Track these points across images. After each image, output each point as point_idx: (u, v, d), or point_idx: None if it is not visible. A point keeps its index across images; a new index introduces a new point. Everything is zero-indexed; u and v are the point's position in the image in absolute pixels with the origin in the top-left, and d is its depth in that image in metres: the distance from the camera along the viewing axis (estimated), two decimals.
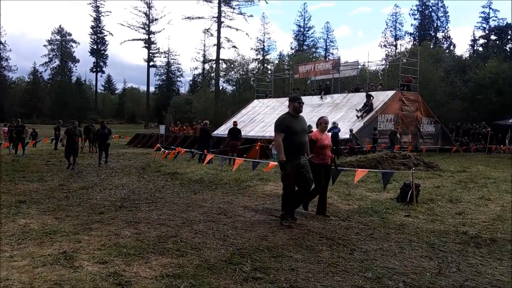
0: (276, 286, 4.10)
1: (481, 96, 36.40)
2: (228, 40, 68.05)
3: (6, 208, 7.51)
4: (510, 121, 27.59)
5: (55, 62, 79.61)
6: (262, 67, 67.80)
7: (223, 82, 65.27)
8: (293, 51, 72.40)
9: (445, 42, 64.54)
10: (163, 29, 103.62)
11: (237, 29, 68.12)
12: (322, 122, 7.65)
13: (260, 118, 31.98)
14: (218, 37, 66.58)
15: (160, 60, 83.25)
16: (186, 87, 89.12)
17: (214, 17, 66.55)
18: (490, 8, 61.36)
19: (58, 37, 79.94)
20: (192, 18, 68.32)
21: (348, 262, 4.91)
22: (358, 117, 24.86)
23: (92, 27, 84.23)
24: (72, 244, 5.33)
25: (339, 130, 20.66)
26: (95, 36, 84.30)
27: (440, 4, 65.72)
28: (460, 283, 4.32)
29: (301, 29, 78.44)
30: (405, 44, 67.22)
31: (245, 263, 4.74)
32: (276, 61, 66.98)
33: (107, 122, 17.08)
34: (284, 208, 6.60)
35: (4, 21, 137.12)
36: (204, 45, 76.26)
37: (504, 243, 5.82)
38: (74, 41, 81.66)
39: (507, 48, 53.74)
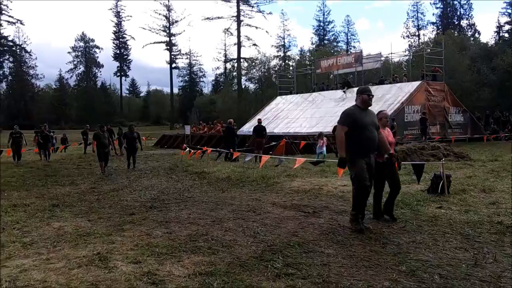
0: (309, 282, 4.09)
1: (509, 83, 35.42)
2: (248, 39, 68.19)
3: (40, 212, 7.70)
4: None
5: (80, 68, 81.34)
6: (283, 63, 67.61)
7: (245, 80, 65.45)
8: (314, 46, 71.97)
9: (469, 30, 63.02)
10: (184, 30, 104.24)
11: (256, 27, 68.24)
12: (382, 117, 6.71)
13: (284, 114, 31.89)
14: (238, 36, 66.74)
15: (182, 62, 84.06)
16: (209, 87, 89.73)
17: (233, 16, 66.77)
18: None
19: (81, 44, 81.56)
20: (212, 19, 68.77)
21: (381, 256, 4.85)
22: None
23: (114, 32, 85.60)
24: (105, 245, 5.42)
25: None
26: (118, 41, 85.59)
27: None
28: (497, 274, 4.21)
29: (321, 23, 77.95)
30: (428, 33, 65.95)
31: (276, 259, 4.73)
32: (298, 57, 66.71)
33: (134, 125, 17.23)
34: (355, 208, 6.00)
35: (29, 30, 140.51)
36: (225, 45, 76.55)
37: None
38: (98, 47, 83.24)
39: None
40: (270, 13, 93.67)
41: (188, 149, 17.82)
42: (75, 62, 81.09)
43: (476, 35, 61.11)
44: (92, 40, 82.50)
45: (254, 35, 79.39)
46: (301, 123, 28.85)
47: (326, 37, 76.97)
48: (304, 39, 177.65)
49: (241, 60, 66.64)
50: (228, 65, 76.07)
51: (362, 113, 5.96)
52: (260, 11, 67.33)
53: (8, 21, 72.78)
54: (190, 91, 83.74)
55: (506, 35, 57.58)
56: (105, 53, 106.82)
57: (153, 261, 4.77)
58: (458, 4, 64.73)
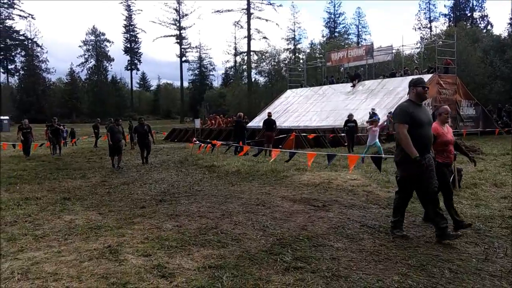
0: (318, 276, 4.09)
1: None
2: (258, 31, 67.85)
3: (52, 205, 7.79)
4: None
5: (91, 62, 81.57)
6: (293, 56, 67.34)
7: (255, 73, 65.26)
8: (324, 39, 71.54)
9: (482, 22, 62.14)
10: (194, 24, 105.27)
11: (266, 20, 67.84)
12: (443, 112, 6.04)
13: (294, 108, 31.84)
14: (248, 29, 66.48)
15: (192, 55, 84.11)
16: (219, 80, 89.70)
17: (243, 9, 66.44)
18: None
19: (92, 38, 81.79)
20: (222, 11, 68.53)
21: (391, 250, 4.83)
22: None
23: (125, 26, 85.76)
24: (116, 238, 5.47)
25: (379, 117, 20.30)
26: (128, 35, 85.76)
27: None
28: (508, 269, 4.18)
29: (332, 15, 77.33)
30: (440, 25, 65.16)
31: (285, 253, 4.74)
32: (308, 50, 66.35)
33: (144, 119, 16.30)
34: (395, 213, 5.53)
35: (40, 24, 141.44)
36: (235, 38, 76.22)
37: None
38: (108, 41, 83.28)
39: None
40: (281, 5, 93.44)
41: (198, 142, 17.87)
42: (86, 56, 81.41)
43: (489, 27, 60.30)
44: (103, 34, 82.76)
45: (264, 28, 79.60)
46: (311, 116, 28.79)
47: (337, 30, 76.40)
48: (314, 32, 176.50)
49: (251, 53, 66.42)
50: (238, 58, 75.88)
51: (418, 108, 5.31)
52: (270, 4, 66.91)
53: (20, 15, 73.32)
54: (200, 84, 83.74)
55: None
56: (116, 47, 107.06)
57: (163, 254, 4.80)
58: None
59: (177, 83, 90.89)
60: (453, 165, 8.23)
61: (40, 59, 76.80)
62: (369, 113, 21.64)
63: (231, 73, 79.24)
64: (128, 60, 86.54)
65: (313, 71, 44.47)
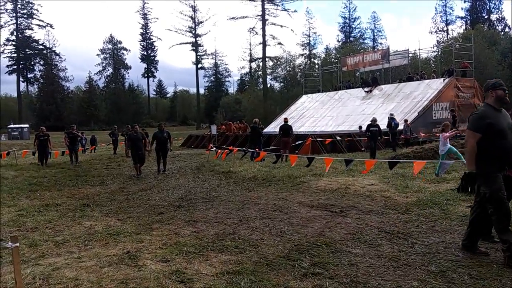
0: (336, 282, 4.07)
1: None
2: (273, 38, 68.17)
3: (71, 211, 7.90)
4: None
5: (108, 70, 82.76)
6: (309, 62, 67.35)
7: (271, 79, 65.53)
8: (339, 44, 71.37)
9: (499, 24, 61.35)
10: (209, 31, 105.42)
11: (281, 26, 68.10)
12: None
13: (310, 113, 31.80)
14: (263, 35, 66.80)
15: (208, 62, 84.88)
16: (235, 86, 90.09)
17: (258, 15, 66.87)
18: None
19: (109, 46, 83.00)
20: (237, 18, 69.32)
21: (410, 255, 4.79)
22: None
23: (141, 34, 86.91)
24: (135, 244, 5.52)
25: (398, 122, 20.15)
26: (145, 43, 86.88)
27: None
28: None
29: (347, 20, 77.19)
30: (457, 29, 64.54)
31: (303, 259, 4.73)
32: (323, 55, 66.27)
33: (164, 124, 15.68)
34: (503, 233, 4.57)
35: (58, 33, 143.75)
36: (250, 44, 76.76)
37: None
38: (125, 49, 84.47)
39: None
40: (295, 11, 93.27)
41: (214, 148, 17.94)
42: (103, 64, 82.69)
43: (507, 29, 59.52)
44: (120, 42, 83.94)
45: (279, 34, 79.59)
46: (327, 121, 28.71)
47: (352, 34, 76.23)
48: (328, 37, 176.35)
49: (266, 59, 66.71)
50: (253, 65, 76.37)
51: (498, 114, 4.69)
52: (285, 9, 67.22)
53: (39, 25, 74.86)
54: (216, 91, 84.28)
55: None
56: (133, 55, 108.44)
57: (181, 259, 4.83)
58: None
59: (193, 90, 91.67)
60: None
61: (59, 67, 78.31)
62: (388, 118, 21.50)
63: (246, 79, 79.56)
64: (145, 68, 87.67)
65: (329, 76, 44.39)
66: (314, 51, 73.80)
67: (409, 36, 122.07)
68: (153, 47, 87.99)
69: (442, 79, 25.24)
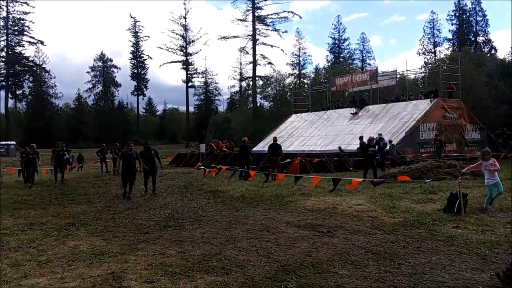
0: None
1: None
2: (264, 57, 68.61)
3: (56, 231, 7.79)
4: None
5: (98, 87, 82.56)
6: (298, 81, 67.87)
7: (260, 98, 65.75)
8: (329, 64, 72.16)
9: (485, 47, 62.59)
10: (200, 50, 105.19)
11: (272, 46, 68.55)
12: None
13: (299, 132, 31.90)
14: (254, 55, 67.26)
15: (198, 80, 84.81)
16: (224, 105, 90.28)
17: (249, 35, 67.38)
18: None
19: (100, 63, 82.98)
20: (228, 38, 69.53)
21: (396, 276, 4.79)
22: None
23: (132, 52, 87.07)
24: (119, 264, 5.45)
25: (387, 142, 20.22)
26: (135, 61, 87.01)
27: (478, 8, 64.02)
28: None
29: (336, 41, 78.16)
30: (444, 50, 65.69)
31: (290, 280, 4.70)
32: (313, 75, 66.87)
33: (150, 142, 15.20)
34: None
35: (47, 50, 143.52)
36: (240, 63, 77.17)
37: None
38: (116, 67, 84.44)
39: None
40: (286, 31, 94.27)
41: (202, 167, 17.88)
42: (93, 82, 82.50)
43: (493, 51, 60.72)
44: (111, 60, 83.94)
45: (270, 53, 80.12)
46: (316, 141, 28.82)
47: (342, 55, 77.15)
48: (319, 57, 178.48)
49: (256, 78, 67.09)
50: (244, 84, 76.62)
51: None
52: (275, 30, 67.81)
53: (30, 42, 74.66)
54: (205, 109, 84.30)
55: None
56: (123, 72, 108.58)
57: (167, 280, 4.78)
58: (474, 21, 64.52)
59: (183, 108, 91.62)
60: (459, 190, 8.22)
61: (48, 84, 77.92)
62: (375, 138, 21.64)
63: (236, 98, 79.80)
64: (135, 86, 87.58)
65: (318, 96, 44.70)
66: (303, 71, 74.53)
67: (395, 57, 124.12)
68: (143, 65, 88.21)
69: (429, 100, 25.55)
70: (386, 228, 7.35)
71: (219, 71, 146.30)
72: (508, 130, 28.90)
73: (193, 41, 78.40)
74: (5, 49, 72.08)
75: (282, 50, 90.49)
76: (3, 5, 70.51)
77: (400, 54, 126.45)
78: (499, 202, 9.41)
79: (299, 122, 34.08)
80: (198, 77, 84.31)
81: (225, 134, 52.56)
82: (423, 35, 71.82)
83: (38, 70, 76.95)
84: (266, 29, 67.74)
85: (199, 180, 16.56)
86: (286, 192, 11.95)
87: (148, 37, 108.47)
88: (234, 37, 69.11)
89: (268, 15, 67.78)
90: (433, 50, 68.71)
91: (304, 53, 77.41)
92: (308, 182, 12.92)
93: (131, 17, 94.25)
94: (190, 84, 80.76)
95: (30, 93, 77.00)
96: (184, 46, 77.84)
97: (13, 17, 72.24)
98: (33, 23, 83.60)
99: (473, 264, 5.17)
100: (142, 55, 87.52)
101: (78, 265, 5.49)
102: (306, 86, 54.46)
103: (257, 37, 67.05)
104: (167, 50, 78.26)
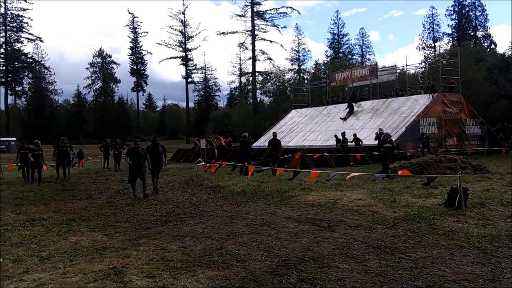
0: None
1: None
2: (263, 53, 68.58)
3: (57, 226, 7.81)
4: None
5: (97, 84, 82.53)
6: (298, 77, 67.79)
7: (260, 94, 65.74)
8: (328, 59, 72.06)
9: (485, 41, 62.46)
10: (199, 45, 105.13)
11: (271, 41, 68.55)
12: None
13: (299, 128, 31.90)
14: (253, 50, 67.24)
15: (197, 76, 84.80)
16: (224, 101, 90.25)
17: (248, 31, 67.36)
18: None
19: (99, 60, 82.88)
20: (227, 33, 69.44)
21: (397, 270, 4.80)
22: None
23: (131, 48, 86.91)
24: (121, 259, 5.47)
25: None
26: (134, 57, 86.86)
27: (477, 3, 63.86)
28: None
29: (336, 36, 78.10)
30: (444, 45, 65.56)
31: (290, 274, 4.72)
32: (312, 70, 66.79)
33: (158, 138, 14.02)
34: None
35: (47, 46, 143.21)
36: (240, 59, 77.13)
37: None
38: (115, 63, 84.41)
39: None
40: (285, 27, 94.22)
41: (203, 162, 17.88)
42: (93, 78, 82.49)
43: (493, 46, 60.62)
44: (110, 56, 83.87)
45: (269, 49, 79.53)
46: (316, 136, 28.83)
47: (341, 50, 77.05)
48: (318, 53, 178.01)
49: (256, 73, 67.06)
50: (243, 79, 76.55)
51: None
52: (274, 25, 67.81)
53: (28, 39, 74.54)
54: (205, 105, 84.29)
55: None
56: (122, 68, 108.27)
57: (168, 275, 4.79)
58: (473, 16, 64.38)
59: (182, 104, 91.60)
60: (459, 184, 8.22)
61: (48, 80, 77.85)
62: (376, 133, 21.59)
63: (236, 93, 79.74)
64: (135, 82, 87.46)
65: (318, 91, 44.67)
66: (303, 67, 74.45)
67: (394, 52, 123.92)
68: (143, 61, 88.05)
69: (429, 95, 25.52)
70: (386, 222, 7.36)
71: (218, 67, 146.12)
72: (508, 123, 28.91)
73: (192, 37, 78.23)
74: (4, 45, 71.97)
75: (281, 45, 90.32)
76: (1, 1, 70.39)
77: (398, 49, 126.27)
78: (500, 196, 9.43)
79: (299, 117, 34.07)
80: (198, 72, 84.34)
81: (225, 129, 52.53)
82: (422, 30, 71.95)
83: (37, 67, 76.90)
84: (265, 25, 67.74)
85: (200, 175, 16.56)
86: (287, 187, 11.95)
87: (147, 33, 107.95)
88: (233, 32, 69.10)
89: (267, 10, 67.88)
90: (432, 45, 68.60)
91: (304, 48, 77.40)
92: (308, 177, 12.92)
93: (130, 13, 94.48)
94: (189, 79, 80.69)
95: (29, 89, 76.96)
96: (183, 42, 77.67)
97: (12, 13, 72.21)
98: (32, 19, 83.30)
99: (474, 258, 5.18)
100: (141, 51, 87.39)
101: (79, 260, 5.50)
102: (306, 81, 54.40)
103: (256, 32, 67.09)
104: (166, 46, 78.10)
